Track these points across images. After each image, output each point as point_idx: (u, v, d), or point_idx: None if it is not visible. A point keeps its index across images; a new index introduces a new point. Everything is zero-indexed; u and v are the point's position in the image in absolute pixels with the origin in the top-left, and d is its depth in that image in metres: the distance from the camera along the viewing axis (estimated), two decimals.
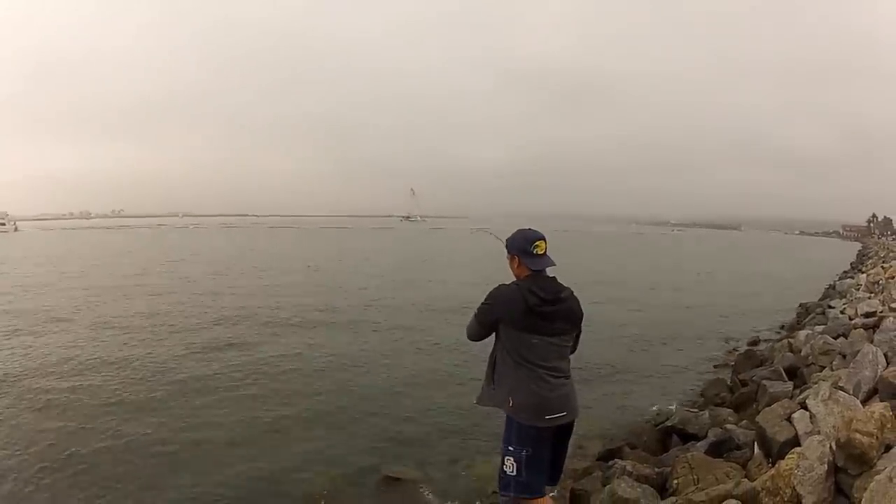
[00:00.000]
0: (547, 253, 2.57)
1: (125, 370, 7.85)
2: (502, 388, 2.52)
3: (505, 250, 2.66)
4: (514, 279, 2.60)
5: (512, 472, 2.47)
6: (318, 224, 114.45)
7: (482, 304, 2.57)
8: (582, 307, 2.63)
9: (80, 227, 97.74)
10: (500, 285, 2.56)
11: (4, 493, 4.32)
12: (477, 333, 2.61)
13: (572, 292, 2.59)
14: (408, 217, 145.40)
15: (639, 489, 3.41)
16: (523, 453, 2.45)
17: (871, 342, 4.88)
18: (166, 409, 6.21)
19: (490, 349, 2.64)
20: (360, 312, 13.05)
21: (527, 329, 2.45)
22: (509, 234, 2.69)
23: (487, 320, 2.55)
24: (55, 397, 6.58)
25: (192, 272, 21.86)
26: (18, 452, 5.04)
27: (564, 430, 2.57)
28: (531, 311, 2.44)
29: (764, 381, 5.58)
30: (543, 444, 2.48)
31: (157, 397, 6.71)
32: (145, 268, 23.53)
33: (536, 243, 2.54)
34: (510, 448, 2.48)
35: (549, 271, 2.59)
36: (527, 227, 2.66)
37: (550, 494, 2.69)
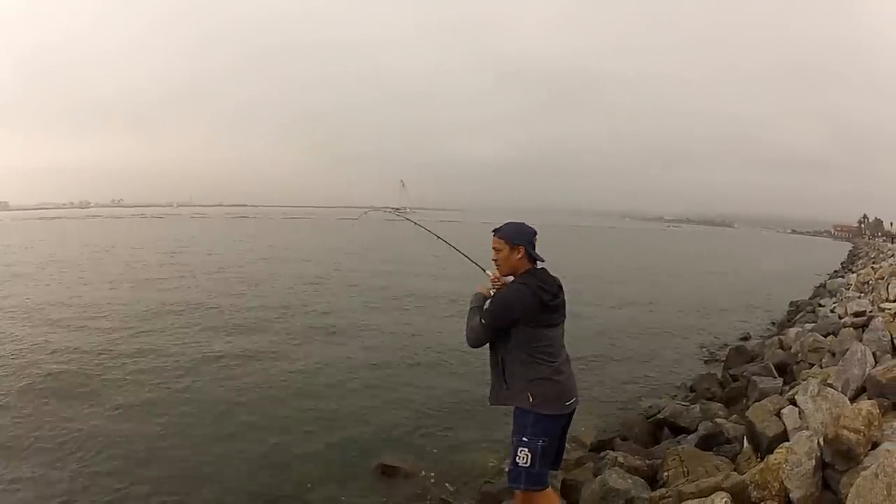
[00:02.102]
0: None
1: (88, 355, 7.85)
2: (518, 386, 2.51)
3: (503, 241, 2.60)
4: (509, 272, 2.59)
5: (526, 463, 2.45)
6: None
7: (491, 310, 2.54)
8: (568, 295, 2.69)
9: (59, 216, 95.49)
10: (508, 288, 2.55)
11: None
12: (483, 339, 2.57)
13: (559, 280, 2.66)
14: (396, 209, 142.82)
15: (630, 480, 3.47)
16: (539, 444, 2.45)
17: (860, 341, 4.95)
18: (156, 402, 6.16)
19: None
20: (343, 304, 13.06)
21: (542, 324, 2.49)
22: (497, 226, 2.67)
23: (503, 324, 2.50)
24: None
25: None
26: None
27: (570, 417, 2.62)
28: (546, 307, 2.48)
29: (754, 377, 5.66)
30: (556, 434, 2.53)
31: (145, 386, 6.71)
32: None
33: (535, 237, 2.62)
34: (524, 439, 2.46)
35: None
36: (518, 221, 2.65)
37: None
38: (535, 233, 2.61)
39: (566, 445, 2.93)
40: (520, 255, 2.56)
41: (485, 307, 2.60)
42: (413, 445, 5.17)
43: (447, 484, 4.45)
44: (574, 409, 2.59)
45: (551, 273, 2.64)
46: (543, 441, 2.46)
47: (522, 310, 2.46)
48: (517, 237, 2.58)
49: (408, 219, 4.34)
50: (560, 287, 2.60)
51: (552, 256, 2.62)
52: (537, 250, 2.61)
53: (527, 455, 2.46)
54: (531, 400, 2.47)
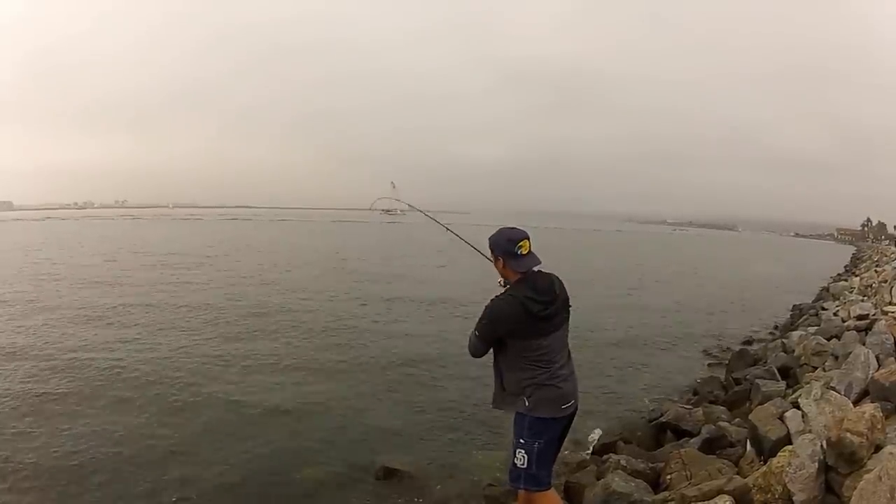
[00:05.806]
0: (532, 251, 2.51)
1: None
2: (514, 391, 2.53)
3: (489, 251, 2.61)
4: (504, 281, 2.58)
5: (523, 464, 2.49)
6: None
7: (482, 322, 2.51)
8: (574, 298, 2.64)
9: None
10: (495, 299, 2.51)
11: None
12: (478, 349, 2.58)
13: (558, 278, 2.59)
14: (387, 211, 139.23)
15: (632, 483, 3.47)
16: (535, 445, 2.48)
17: (864, 344, 4.94)
18: (153, 400, 6.18)
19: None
20: (340, 307, 13.07)
21: (534, 336, 2.46)
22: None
23: (491, 337, 2.52)
24: None
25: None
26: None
27: (570, 419, 2.62)
28: (536, 319, 2.43)
29: (757, 380, 5.66)
30: (553, 436, 2.53)
31: (144, 385, 6.72)
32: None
33: (520, 243, 2.48)
34: (521, 441, 2.50)
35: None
36: (509, 227, 2.60)
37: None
38: (520, 238, 2.49)
39: (568, 448, 2.94)
40: (501, 265, 2.56)
41: (478, 318, 2.55)
42: (415, 447, 5.16)
43: (450, 486, 4.45)
44: (574, 412, 2.59)
45: (547, 272, 2.58)
46: (539, 443, 2.48)
47: (508, 325, 2.45)
48: (495, 248, 2.55)
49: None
50: (557, 290, 2.52)
51: (559, 261, 2.58)
52: (534, 249, 2.52)
53: (524, 457, 2.49)
54: (526, 404, 2.48)
